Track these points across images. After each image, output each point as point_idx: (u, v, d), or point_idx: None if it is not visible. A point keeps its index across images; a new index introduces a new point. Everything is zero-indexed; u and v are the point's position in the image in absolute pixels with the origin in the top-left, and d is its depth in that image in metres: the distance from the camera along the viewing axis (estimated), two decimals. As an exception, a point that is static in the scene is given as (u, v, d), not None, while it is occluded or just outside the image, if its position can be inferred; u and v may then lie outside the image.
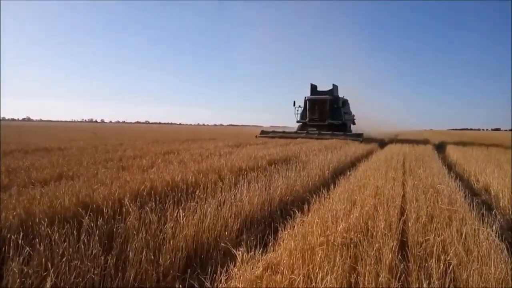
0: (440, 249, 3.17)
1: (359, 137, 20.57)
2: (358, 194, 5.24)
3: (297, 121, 25.45)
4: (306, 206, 4.51)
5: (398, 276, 2.64)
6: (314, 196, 5.02)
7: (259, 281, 2.54)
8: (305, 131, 22.66)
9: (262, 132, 23.44)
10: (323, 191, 5.29)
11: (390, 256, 2.84)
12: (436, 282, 2.55)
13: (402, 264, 2.81)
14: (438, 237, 3.43)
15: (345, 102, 26.14)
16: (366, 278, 2.55)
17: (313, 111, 24.58)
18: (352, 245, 3.14)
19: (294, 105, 25.43)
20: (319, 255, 2.83)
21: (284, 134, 22.27)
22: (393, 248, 3.04)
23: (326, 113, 24.14)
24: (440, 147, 19.95)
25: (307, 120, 24.55)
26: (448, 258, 2.96)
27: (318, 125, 23.95)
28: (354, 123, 29.15)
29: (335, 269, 2.57)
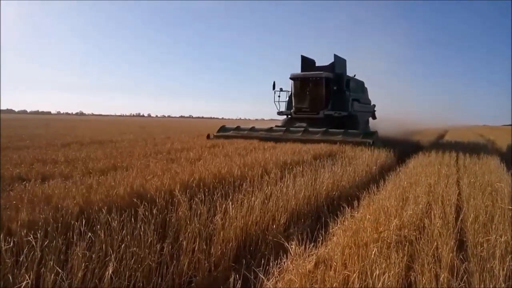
0: (504, 250, 2.98)
1: (368, 137, 12.19)
2: (410, 191, 5.05)
3: (279, 113, 16.53)
4: (355, 202, 4.42)
5: (460, 276, 2.51)
6: (364, 192, 4.89)
7: (312, 275, 2.52)
8: (285, 128, 14.33)
9: (222, 129, 15.15)
10: (372, 187, 5.15)
11: (450, 255, 2.71)
12: (503, 284, 2.40)
13: (463, 265, 2.67)
14: (501, 237, 3.22)
15: (351, 82, 16.43)
16: (425, 277, 2.45)
17: (301, 97, 15.75)
18: (407, 243, 3.03)
19: (273, 88, 16.26)
20: (373, 252, 2.75)
21: (250, 133, 14.11)
22: (452, 248, 2.90)
23: (320, 99, 15.30)
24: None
25: (292, 110, 16.02)
26: (514, 260, 2.78)
27: (310, 118, 15.35)
28: (374, 117, 20.17)
29: (392, 267, 2.49)
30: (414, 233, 3.30)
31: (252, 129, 14.56)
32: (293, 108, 15.93)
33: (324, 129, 13.28)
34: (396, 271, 2.47)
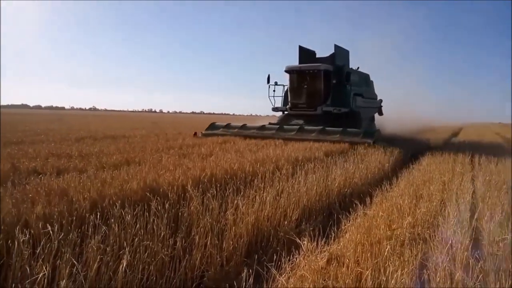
0: (520, 250, 2.93)
1: (368, 137, 11.29)
2: (423, 188, 4.99)
3: (274, 109, 15.52)
4: (367, 199, 4.39)
5: (475, 275, 2.47)
6: (376, 189, 4.86)
7: (324, 271, 2.51)
8: (278, 127, 13.19)
9: (211, 126, 14.22)
10: (385, 184, 5.11)
11: (465, 254, 2.67)
12: (520, 285, 2.36)
13: (478, 264, 2.63)
14: (518, 236, 3.16)
15: (354, 75, 15.03)
16: (439, 276, 2.42)
17: (297, 92, 14.62)
18: (421, 241, 3.00)
19: (268, 82, 15.14)
20: (386, 249, 2.73)
21: (240, 131, 13.14)
22: (467, 246, 2.86)
23: (318, 94, 14.11)
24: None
25: (288, 106, 14.91)
26: (531, 260, 2.73)
27: (307, 114, 14.23)
28: (381, 113, 18.62)
29: (405, 265, 2.47)
30: (428, 231, 3.27)
31: (243, 126, 13.56)
32: (289, 103, 14.83)
33: (321, 127, 12.23)
34: (410, 269, 2.45)
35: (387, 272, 2.37)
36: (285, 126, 13.11)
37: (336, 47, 15.20)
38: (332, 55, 15.21)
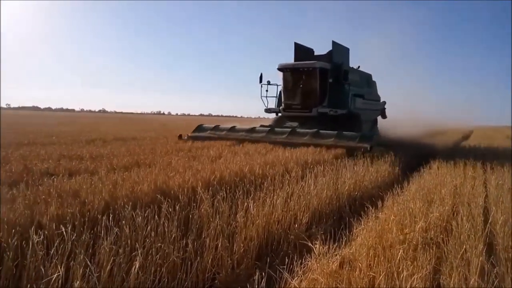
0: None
1: (365, 141, 10.17)
2: (435, 192, 4.94)
3: (266, 110, 14.39)
4: (379, 203, 4.36)
5: (490, 281, 2.44)
6: (388, 193, 4.82)
7: (336, 275, 2.50)
8: (269, 129, 12.25)
9: (198, 128, 13.41)
10: (396, 188, 5.07)
11: (480, 259, 2.63)
12: (537, 291, 2.32)
13: (495, 269, 2.59)
14: (533, 242, 3.11)
15: (353, 74, 14.11)
16: (453, 281, 2.39)
17: (291, 92, 13.73)
18: (434, 245, 2.96)
19: (260, 81, 13.99)
20: (399, 253, 2.71)
21: (228, 134, 12.26)
22: (481, 251, 2.82)
23: (313, 94, 13.08)
24: None
25: (281, 107, 13.86)
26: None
27: (302, 116, 13.26)
28: (384, 116, 17.47)
29: (419, 269, 2.44)
30: (441, 235, 3.23)
31: (232, 129, 12.65)
32: (282, 104, 13.80)
33: (315, 130, 11.22)
34: (424, 274, 2.42)
35: (401, 276, 2.34)
36: (276, 129, 12.24)
37: (334, 43, 14.04)
38: (329, 53, 14.07)
